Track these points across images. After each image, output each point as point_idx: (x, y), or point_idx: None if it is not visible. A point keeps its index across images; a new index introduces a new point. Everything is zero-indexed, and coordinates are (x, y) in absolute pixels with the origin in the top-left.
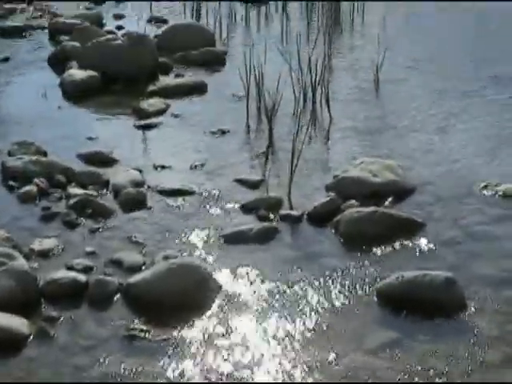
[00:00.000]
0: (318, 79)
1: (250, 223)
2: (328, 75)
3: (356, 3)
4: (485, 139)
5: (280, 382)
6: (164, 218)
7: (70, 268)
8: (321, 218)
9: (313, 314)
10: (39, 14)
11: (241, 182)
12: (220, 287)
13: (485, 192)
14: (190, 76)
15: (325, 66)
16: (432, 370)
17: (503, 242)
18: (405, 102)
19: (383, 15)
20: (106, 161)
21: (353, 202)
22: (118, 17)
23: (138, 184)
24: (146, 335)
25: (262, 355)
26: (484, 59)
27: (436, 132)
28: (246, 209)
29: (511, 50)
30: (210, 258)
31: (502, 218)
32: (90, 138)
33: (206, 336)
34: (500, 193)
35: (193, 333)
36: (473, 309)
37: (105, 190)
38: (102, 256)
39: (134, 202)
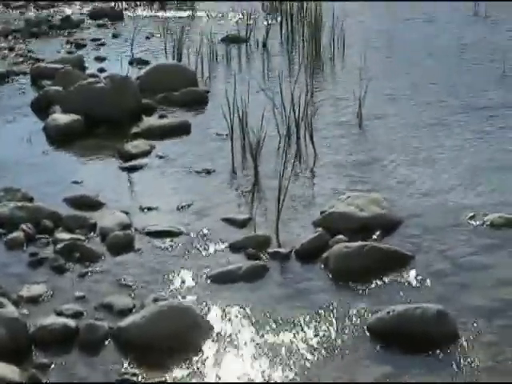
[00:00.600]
0: (301, 115)
1: (238, 262)
2: (311, 111)
3: (336, 38)
4: (469, 169)
5: (280, 382)
6: (152, 259)
7: (60, 314)
8: (309, 254)
9: (304, 351)
10: (21, 59)
11: (228, 221)
12: (211, 328)
13: (472, 222)
14: (174, 116)
15: (307, 101)
16: None
17: (492, 271)
18: (388, 135)
19: (364, 48)
20: (93, 204)
21: (341, 237)
22: (100, 59)
23: (125, 226)
24: (138, 379)
25: None
26: (466, 89)
27: (420, 164)
28: (234, 248)
29: (493, 80)
30: (200, 299)
31: (490, 247)
32: (76, 182)
33: (199, 378)
34: (487, 222)
35: (185, 375)
36: (465, 340)
37: (92, 234)
38: (92, 300)
39: (122, 245)
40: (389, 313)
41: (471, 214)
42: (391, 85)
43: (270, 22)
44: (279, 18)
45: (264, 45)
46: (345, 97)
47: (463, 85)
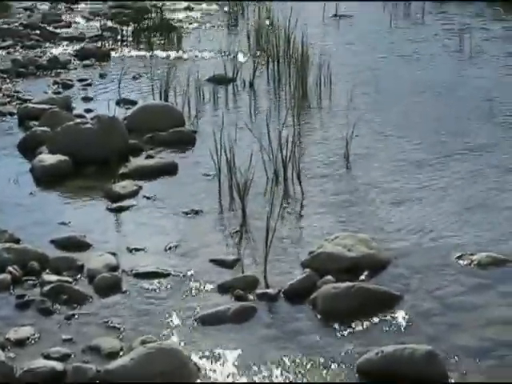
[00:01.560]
0: (288, 156)
1: (226, 303)
2: (298, 151)
3: (323, 77)
4: (456, 209)
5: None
6: (140, 301)
7: (47, 356)
8: (298, 295)
9: None
10: (7, 99)
11: (216, 262)
12: (199, 370)
13: (460, 262)
14: (161, 157)
15: (295, 142)
16: None
17: (481, 311)
18: (375, 175)
19: (350, 87)
20: (80, 245)
21: (329, 277)
22: (87, 100)
23: (113, 268)
24: None
25: None
26: (452, 128)
27: (407, 204)
28: (222, 289)
29: (478, 119)
30: (189, 341)
31: (478, 287)
32: (63, 223)
33: None
34: (475, 262)
35: None
36: (454, 381)
37: (79, 276)
38: (79, 343)
39: (110, 287)
40: (378, 353)
41: (459, 254)
42: (378, 124)
43: (256, 61)
44: (266, 58)
45: (251, 85)
46: (332, 136)
47: (449, 124)
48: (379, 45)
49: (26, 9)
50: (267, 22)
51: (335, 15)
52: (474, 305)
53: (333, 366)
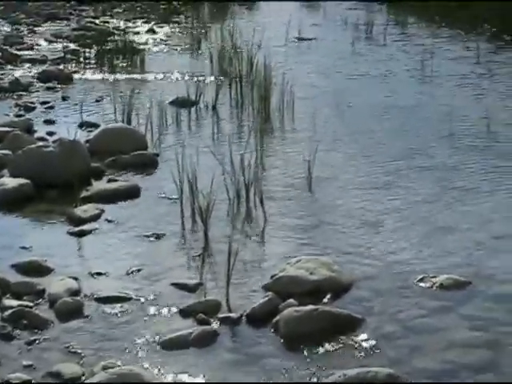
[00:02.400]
0: (250, 178)
1: (188, 328)
2: (261, 174)
3: (286, 100)
4: (417, 231)
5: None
6: (102, 326)
7: (7, 383)
8: (260, 318)
9: None
10: None
11: (178, 285)
12: None
13: (422, 284)
14: (123, 180)
15: (257, 164)
16: None
17: (442, 334)
18: (338, 198)
19: (313, 110)
20: (41, 270)
21: (291, 301)
22: (49, 122)
23: (75, 292)
24: None
25: None
26: (413, 150)
27: (370, 227)
28: (185, 313)
29: (440, 140)
30: (151, 366)
31: (439, 309)
32: (24, 248)
33: None
34: (437, 284)
35: None
36: None
37: (40, 300)
38: (40, 369)
39: (71, 312)
40: (340, 377)
41: (420, 276)
42: (340, 147)
43: (219, 84)
44: (229, 81)
45: (214, 108)
46: (295, 159)
47: (411, 146)
48: (341, 67)
49: None
50: (230, 45)
51: (298, 38)
52: (435, 327)
53: None
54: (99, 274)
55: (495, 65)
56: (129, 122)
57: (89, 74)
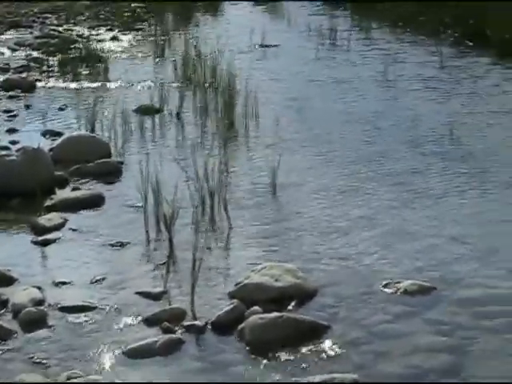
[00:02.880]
0: (215, 186)
1: (153, 336)
2: (225, 181)
3: (250, 107)
4: (382, 237)
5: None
6: (66, 336)
7: None
8: (225, 326)
9: None
10: None
11: (142, 294)
12: None
13: (386, 290)
14: (87, 189)
15: (221, 171)
16: None
17: (407, 339)
18: (302, 204)
19: (277, 116)
20: (4, 280)
21: (256, 308)
22: (12, 131)
23: (39, 302)
24: None
25: None
26: (377, 156)
27: (334, 232)
28: (149, 321)
29: (403, 146)
30: (115, 375)
31: (404, 315)
32: None
33: None
34: (401, 290)
35: None
36: None
37: (4, 310)
38: (3, 379)
39: (35, 322)
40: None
41: (385, 282)
42: (304, 153)
43: (183, 91)
44: (193, 88)
45: (178, 115)
46: (259, 165)
47: (375, 151)
48: (305, 73)
49: None
50: (194, 52)
51: (261, 44)
52: (400, 332)
53: None
54: (63, 283)
55: (458, 69)
56: (92, 130)
57: (52, 82)
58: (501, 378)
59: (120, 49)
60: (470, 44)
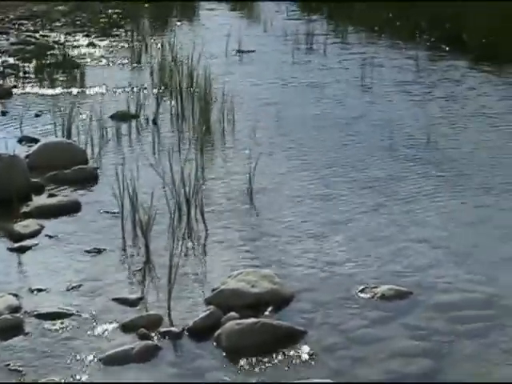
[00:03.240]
0: (191, 192)
1: (130, 343)
2: (202, 187)
3: (226, 112)
4: (359, 242)
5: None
6: (42, 343)
7: None
8: (202, 332)
9: None
10: None
11: (119, 300)
12: None
13: (363, 295)
14: (64, 195)
15: (198, 177)
16: None
17: (384, 344)
18: (279, 210)
19: (253, 122)
20: None
21: (233, 314)
22: None
23: (15, 309)
24: None
25: None
26: (354, 162)
27: (311, 238)
28: (126, 328)
29: (379, 152)
30: (92, 382)
31: (381, 320)
32: None
33: None
34: (378, 295)
35: None
36: None
37: None
38: None
39: (11, 329)
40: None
41: (362, 287)
42: (281, 158)
43: (159, 97)
44: (169, 94)
45: (154, 121)
46: (235, 172)
47: (351, 157)
48: (282, 78)
49: None
50: (170, 58)
51: (238, 50)
52: (377, 337)
53: None
54: (40, 290)
55: (434, 73)
56: (69, 137)
57: (28, 89)
58: (478, 382)
59: (96, 55)
60: (447, 48)
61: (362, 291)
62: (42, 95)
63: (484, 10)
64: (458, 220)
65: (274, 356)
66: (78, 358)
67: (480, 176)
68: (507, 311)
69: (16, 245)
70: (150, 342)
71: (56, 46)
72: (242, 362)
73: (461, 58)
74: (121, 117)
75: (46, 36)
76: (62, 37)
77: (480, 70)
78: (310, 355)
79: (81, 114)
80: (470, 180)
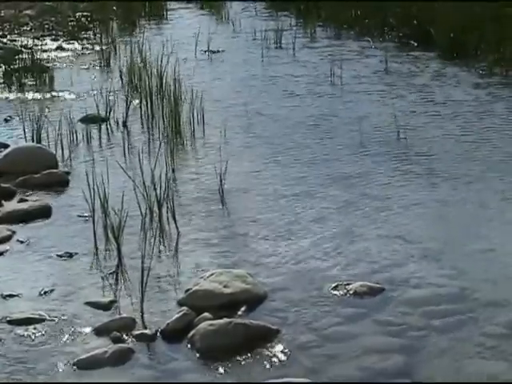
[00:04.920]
0: (162, 193)
1: (103, 346)
2: (173, 188)
3: (196, 113)
4: (331, 239)
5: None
6: (14, 349)
7: None
8: (175, 334)
9: None
10: None
11: (92, 304)
12: None
13: (336, 292)
14: (34, 200)
15: (169, 179)
16: None
17: (358, 340)
18: (250, 210)
19: (223, 123)
20: None
21: (206, 314)
22: None
23: None
24: None
25: None
26: (325, 161)
27: (283, 237)
28: (99, 332)
29: (351, 150)
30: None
31: (354, 316)
32: None
33: None
34: (351, 292)
35: None
36: None
37: None
38: None
39: None
40: None
41: (334, 285)
42: (252, 159)
43: (129, 100)
44: (139, 96)
45: (124, 123)
46: (206, 173)
47: (322, 157)
48: (251, 78)
49: None
50: (139, 60)
51: (207, 50)
52: (351, 334)
53: None
54: (11, 295)
55: (403, 70)
56: (39, 141)
57: None
58: (451, 377)
59: (65, 58)
60: (415, 44)
61: (334, 288)
62: (11, 100)
63: (451, 7)
64: (429, 216)
65: (249, 356)
66: (52, 362)
67: (450, 171)
68: (479, 305)
69: None
70: (123, 345)
71: (24, 50)
72: (217, 362)
73: (429, 53)
74: (90, 120)
75: (14, 40)
76: (31, 41)
77: (449, 64)
78: (285, 354)
79: (50, 118)
80: (441, 175)
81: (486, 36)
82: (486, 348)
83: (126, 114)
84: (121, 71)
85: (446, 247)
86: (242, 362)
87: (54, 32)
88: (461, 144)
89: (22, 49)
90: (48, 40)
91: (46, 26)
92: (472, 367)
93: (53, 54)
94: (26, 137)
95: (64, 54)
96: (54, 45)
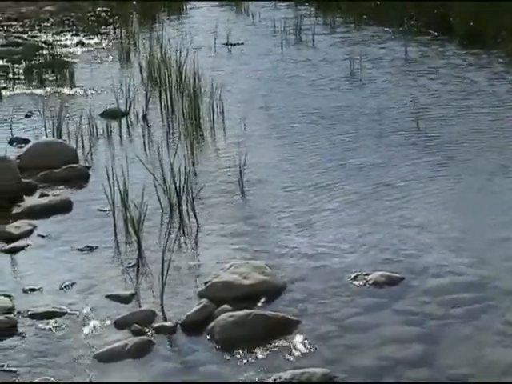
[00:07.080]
0: (182, 186)
1: (124, 339)
2: (192, 181)
3: (216, 106)
4: (350, 230)
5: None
6: (37, 342)
7: None
8: (195, 326)
9: None
10: None
11: (112, 297)
12: None
13: (355, 282)
14: (55, 194)
15: (188, 172)
16: None
17: (377, 331)
18: (270, 201)
19: (243, 115)
20: None
21: (225, 306)
22: None
23: (8, 310)
24: None
25: None
26: (344, 151)
27: (302, 228)
28: (119, 324)
29: (370, 141)
30: (87, 380)
31: (374, 307)
32: None
33: None
34: (370, 282)
35: None
36: None
37: None
38: None
39: (5, 330)
40: (275, 380)
41: (354, 275)
42: (271, 150)
43: (149, 94)
44: (158, 90)
45: (144, 117)
46: (226, 165)
47: (342, 146)
48: (271, 71)
49: None
50: (159, 54)
51: (226, 43)
52: (370, 325)
53: None
54: (33, 290)
55: (423, 60)
56: (59, 136)
57: (18, 90)
58: (471, 365)
59: (86, 54)
60: (435, 33)
61: (354, 279)
62: (32, 96)
63: None
64: (449, 204)
65: (268, 347)
66: (72, 356)
67: (471, 160)
68: (500, 293)
69: (8, 246)
70: (143, 337)
71: (45, 46)
72: (236, 353)
73: (449, 42)
74: (111, 114)
75: (35, 37)
76: (51, 37)
77: (468, 53)
78: (304, 344)
79: (71, 112)
80: (461, 164)
81: (505, 24)
82: (506, 336)
83: (146, 107)
84: (140, 65)
85: (465, 236)
86: (262, 353)
87: (74, 28)
88: (481, 134)
89: (43, 45)
90: (68, 36)
91: (67, 22)
92: (492, 356)
93: (73, 50)
94: (46, 132)
95: (84, 49)
96: (75, 40)
